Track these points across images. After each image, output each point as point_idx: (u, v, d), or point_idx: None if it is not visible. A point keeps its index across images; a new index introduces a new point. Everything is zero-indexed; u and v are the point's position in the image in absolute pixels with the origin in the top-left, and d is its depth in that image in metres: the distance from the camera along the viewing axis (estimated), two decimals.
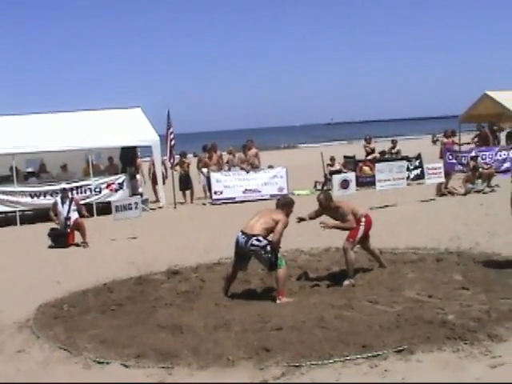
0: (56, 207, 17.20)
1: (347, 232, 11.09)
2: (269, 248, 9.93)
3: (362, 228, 11.05)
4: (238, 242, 10.17)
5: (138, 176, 25.39)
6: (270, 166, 26.55)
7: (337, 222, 11.23)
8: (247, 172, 24.91)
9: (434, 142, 50.96)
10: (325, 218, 11.33)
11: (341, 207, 11.12)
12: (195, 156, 28.63)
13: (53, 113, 25.30)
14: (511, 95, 29.84)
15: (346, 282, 10.59)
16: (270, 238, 10.07)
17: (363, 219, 11.10)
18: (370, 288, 10.17)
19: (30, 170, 25.36)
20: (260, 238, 9.95)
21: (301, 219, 11.46)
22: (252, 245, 9.96)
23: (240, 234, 10.15)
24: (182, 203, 24.51)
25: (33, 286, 12.20)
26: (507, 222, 14.78)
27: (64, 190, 17.89)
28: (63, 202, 17.16)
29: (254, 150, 26.08)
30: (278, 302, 9.79)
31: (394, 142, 29.38)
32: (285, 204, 10.68)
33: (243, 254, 10.21)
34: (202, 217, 21.23)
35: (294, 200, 10.96)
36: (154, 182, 25.67)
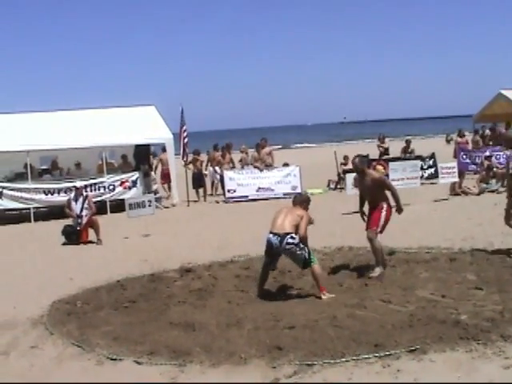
0: (70, 204, 17.24)
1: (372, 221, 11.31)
2: (302, 245, 9.94)
3: (383, 214, 11.21)
4: (270, 243, 10.05)
5: (152, 174, 25.46)
6: (286, 164, 26.57)
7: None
8: (261, 170, 24.91)
9: (448, 141, 50.79)
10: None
11: (375, 173, 11.69)
12: (208, 155, 28.64)
13: (67, 110, 25.39)
14: None
15: (377, 269, 10.76)
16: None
17: (385, 206, 11.23)
18: (382, 287, 10.14)
19: (44, 167, 25.43)
20: (293, 235, 9.94)
21: (363, 214, 11.86)
22: (288, 243, 9.89)
23: (271, 235, 10.04)
24: (195, 201, 24.55)
25: (46, 282, 12.24)
26: None
27: (76, 187, 17.89)
28: (76, 200, 17.20)
29: (267, 149, 26.08)
30: (323, 297, 9.78)
31: (408, 142, 29.27)
32: (302, 201, 10.78)
33: (276, 254, 10.20)
34: (215, 215, 21.24)
35: (310, 197, 11.09)
36: (163, 179, 25.75)
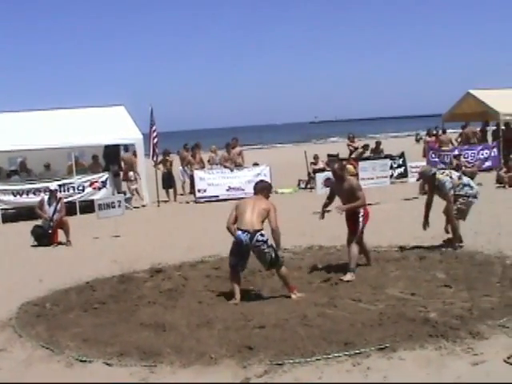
0: (43, 206, 17.13)
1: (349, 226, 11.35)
2: (269, 243, 9.88)
3: (360, 223, 11.22)
4: (240, 241, 9.84)
5: (131, 174, 25.34)
6: (256, 164, 26.59)
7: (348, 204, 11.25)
8: (231, 170, 24.91)
9: (418, 140, 51.13)
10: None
11: (353, 180, 11.48)
12: (178, 154, 28.58)
13: (35, 111, 25.21)
14: (494, 94, 29.95)
15: (348, 276, 10.63)
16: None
17: (362, 212, 11.19)
18: (352, 286, 10.18)
19: (12, 168, 25.26)
20: (263, 232, 9.86)
21: (322, 213, 11.77)
22: (257, 240, 9.77)
23: (240, 232, 9.83)
24: (165, 201, 24.49)
25: (15, 284, 12.15)
26: (490, 220, 14.92)
27: (51, 190, 17.76)
28: (50, 203, 17.09)
29: (238, 149, 26.09)
30: (293, 297, 9.82)
31: (378, 144, 29.38)
32: (263, 188, 10.54)
33: (245, 252, 10.01)
34: (186, 215, 21.22)
35: (271, 183, 11.26)
36: (126, 179, 25.64)
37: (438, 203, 13.00)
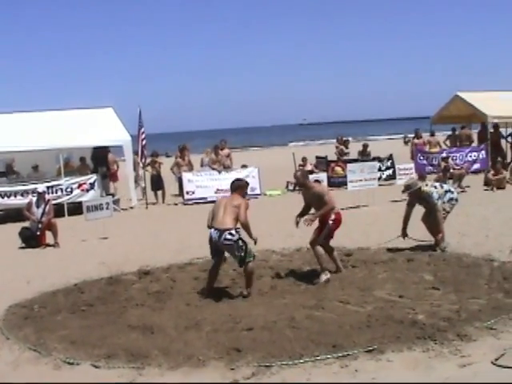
0: (31, 207, 17.10)
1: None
2: (240, 243, 10.00)
3: (330, 224, 11.02)
4: (211, 237, 10.20)
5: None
6: (244, 166, 26.59)
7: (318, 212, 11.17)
8: (219, 172, 24.89)
9: (406, 142, 51.19)
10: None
11: (316, 187, 11.36)
12: (167, 156, 28.61)
13: (24, 112, 25.11)
14: (482, 96, 30.03)
15: (323, 277, 10.65)
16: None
17: (333, 216, 11.03)
18: (340, 288, 10.20)
19: (0, 169, 25.17)
20: (232, 231, 10.02)
21: (297, 222, 11.44)
22: (225, 239, 10.01)
23: (212, 229, 10.17)
24: (153, 203, 24.46)
25: (3, 286, 12.10)
26: (478, 223, 14.96)
27: (39, 193, 17.73)
28: (38, 205, 17.06)
29: (226, 151, 26.11)
30: (245, 293, 10.05)
31: (365, 146, 29.44)
32: (238, 186, 10.73)
33: (217, 249, 10.28)
34: (174, 217, 21.19)
35: (247, 181, 11.18)
36: (113, 179, 25.59)
37: (420, 208, 13.07)
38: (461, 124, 31.37)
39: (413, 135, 30.83)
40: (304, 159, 27.47)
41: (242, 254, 10.02)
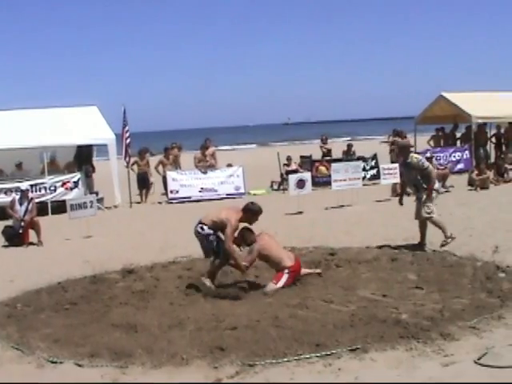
0: (14, 205, 17.05)
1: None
2: (211, 238, 10.31)
3: (285, 276, 10.30)
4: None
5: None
6: (229, 165, 26.60)
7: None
8: (203, 172, 24.89)
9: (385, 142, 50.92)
10: None
11: (256, 244, 10.58)
12: (152, 155, 28.54)
13: (6, 110, 24.99)
14: (466, 97, 30.16)
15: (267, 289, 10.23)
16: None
17: (286, 270, 10.32)
18: (324, 287, 10.20)
19: None
20: (204, 226, 10.32)
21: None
22: (196, 231, 10.42)
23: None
24: (138, 202, 24.45)
25: None
26: (461, 222, 15.02)
27: (22, 190, 17.68)
28: (21, 203, 17.02)
29: (211, 149, 26.10)
30: (203, 280, 10.33)
31: (349, 146, 29.47)
32: (247, 209, 10.57)
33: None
34: (158, 216, 21.17)
35: (260, 209, 10.67)
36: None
37: (411, 206, 13.09)
38: (444, 124, 31.55)
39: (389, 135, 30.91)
40: (289, 158, 27.49)
41: (214, 247, 10.37)
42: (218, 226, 10.30)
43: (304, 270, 10.78)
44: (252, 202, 10.90)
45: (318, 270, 11.05)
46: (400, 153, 13.31)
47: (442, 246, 12.55)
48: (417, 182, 12.80)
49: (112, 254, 14.17)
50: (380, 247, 13.11)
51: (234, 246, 10.52)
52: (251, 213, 10.55)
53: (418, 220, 12.97)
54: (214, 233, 10.30)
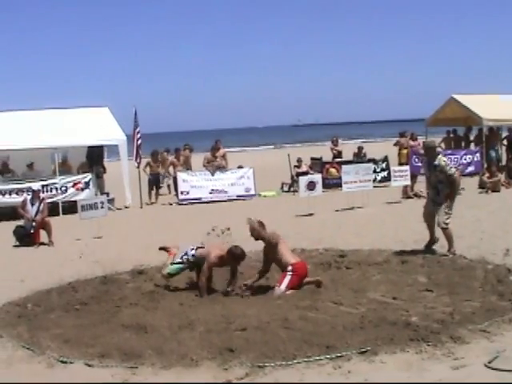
0: (25, 206, 17.10)
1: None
2: (186, 258, 10.93)
3: (288, 277, 10.23)
4: None
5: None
6: (240, 167, 26.58)
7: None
8: (211, 173, 24.93)
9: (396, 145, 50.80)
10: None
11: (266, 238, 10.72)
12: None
13: (19, 111, 25.09)
14: (477, 99, 30.13)
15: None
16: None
17: (290, 267, 10.29)
18: (334, 289, 10.19)
19: None
20: (193, 248, 10.93)
21: (250, 286, 10.65)
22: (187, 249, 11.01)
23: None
24: (152, 203, 24.55)
25: None
26: (472, 225, 14.97)
27: (34, 191, 17.74)
28: (33, 203, 17.07)
29: (221, 151, 26.10)
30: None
31: (360, 148, 29.43)
32: (230, 252, 10.43)
33: None
34: (168, 217, 21.19)
35: (243, 254, 10.50)
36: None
37: (421, 208, 13.06)
38: (455, 127, 31.52)
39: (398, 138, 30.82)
40: (299, 160, 27.47)
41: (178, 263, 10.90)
42: (201, 261, 10.58)
43: (306, 279, 10.56)
44: (236, 246, 10.64)
45: (318, 278, 10.68)
46: (426, 153, 13.01)
47: (445, 255, 12.41)
48: (438, 186, 12.49)
49: (122, 254, 14.20)
50: (390, 249, 13.08)
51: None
52: (233, 257, 10.43)
53: (427, 222, 12.85)
54: (189, 255, 10.83)
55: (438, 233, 12.62)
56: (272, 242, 10.57)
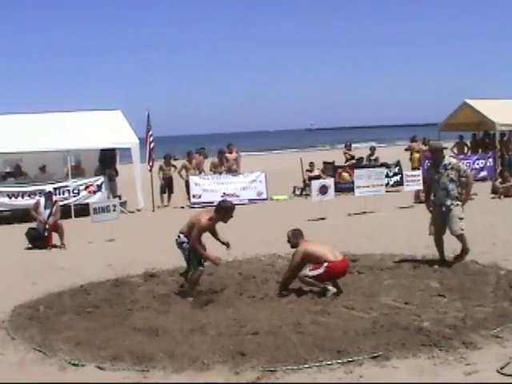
0: (38, 208, 17.15)
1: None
2: (185, 245, 10.52)
3: (320, 270, 10.15)
4: None
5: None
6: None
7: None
8: (220, 174, 25.09)
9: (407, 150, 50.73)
10: None
11: (298, 249, 10.54)
12: (175, 159, 28.75)
13: (31, 114, 25.19)
14: (490, 104, 30.08)
15: (328, 293, 10.12)
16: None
17: (325, 264, 10.17)
18: (346, 294, 10.17)
19: (8, 170, 25.23)
20: (181, 235, 10.63)
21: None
22: (175, 240, 10.76)
23: None
24: (164, 206, 24.62)
25: (9, 286, 12.14)
26: (485, 230, 14.93)
27: (48, 193, 17.78)
28: (46, 206, 17.12)
29: (234, 155, 26.10)
30: (189, 299, 10.31)
31: (372, 149, 29.41)
32: (219, 208, 10.58)
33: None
34: (180, 220, 21.07)
35: (232, 206, 10.66)
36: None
37: (429, 213, 13.01)
38: (468, 131, 31.52)
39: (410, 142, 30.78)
40: (311, 164, 27.46)
41: (189, 255, 10.58)
42: (192, 229, 10.45)
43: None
44: (223, 200, 11.09)
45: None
46: (433, 154, 12.82)
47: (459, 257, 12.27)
48: (449, 186, 12.15)
49: (134, 257, 14.22)
50: (402, 254, 13.05)
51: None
52: (224, 210, 10.49)
53: (437, 243, 12.58)
54: (187, 241, 10.48)
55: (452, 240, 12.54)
56: (307, 252, 10.37)
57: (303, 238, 10.72)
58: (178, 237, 10.64)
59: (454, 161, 12.33)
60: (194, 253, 10.35)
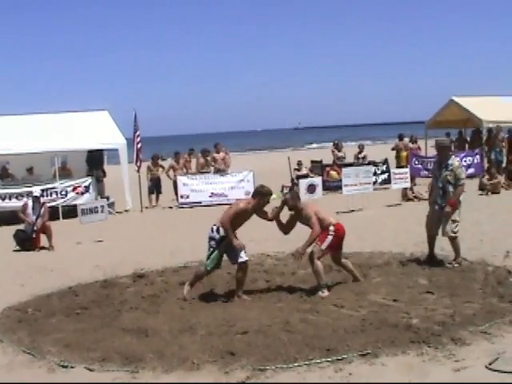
0: (26, 210, 17.11)
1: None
2: (211, 243, 10.28)
3: (330, 237, 10.35)
4: None
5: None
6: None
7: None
8: (208, 173, 25.13)
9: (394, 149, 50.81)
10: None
11: (304, 209, 10.64)
12: (162, 159, 28.72)
13: (18, 115, 25.09)
14: (477, 101, 30.16)
15: (320, 294, 10.11)
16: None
17: (332, 227, 10.40)
18: (335, 292, 10.19)
19: None
20: (213, 227, 10.35)
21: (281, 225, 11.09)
22: (209, 233, 10.39)
23: None
24: (153, 207, 24.58)
25: None
26: (472, 227, 14.97)
27: (36, 197, 17.72)
28: (34, 208, 17.07)
29: (221, 154, 26.09)
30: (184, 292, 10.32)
31: (361, 147, 29.44)
32: (256, 193, 10.64)
33: None
34: (169, 221, 21.19)
35: (268, 191, 10.72)
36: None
37: (421, 210, 13.04)
38: (455, 129, 31.59)
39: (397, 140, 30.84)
40: (299, 163, 27.49)
41: (209, 253, 10.31)
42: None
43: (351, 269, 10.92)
44: (260, 185, 10.99)
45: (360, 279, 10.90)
46: (439, 152, 12.71)
47: (449, 263, 12.22)
48: (446, 186, 11.99)
49: (123, 258, 14.20)
50: (391, 252, 13.08)
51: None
52: (260, 195, 10.53)
53: (429, 235, 12.57)
54: (215, 238, 10.27)
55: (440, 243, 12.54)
56: (306, 216, 10.53)
57: (300, 201, 10.89)
58: (211, 230, 10.35)
59: (455, 164, 12.17)
60: (225, 228, 10.20)
